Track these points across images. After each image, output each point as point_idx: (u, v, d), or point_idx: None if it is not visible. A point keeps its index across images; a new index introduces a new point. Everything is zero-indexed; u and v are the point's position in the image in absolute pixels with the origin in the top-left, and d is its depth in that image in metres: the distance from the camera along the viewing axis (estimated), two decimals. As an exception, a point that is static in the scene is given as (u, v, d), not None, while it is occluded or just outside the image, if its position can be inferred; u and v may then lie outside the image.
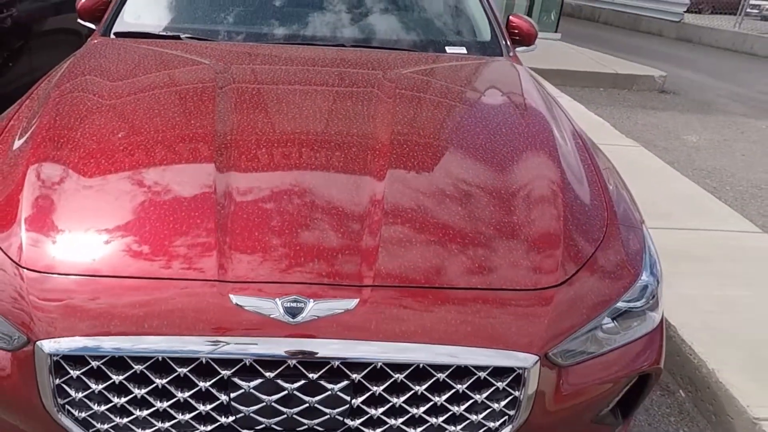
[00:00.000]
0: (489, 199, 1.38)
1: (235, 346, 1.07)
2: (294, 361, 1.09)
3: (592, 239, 1.37)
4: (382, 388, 1.12)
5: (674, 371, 2.27)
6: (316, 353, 1.08)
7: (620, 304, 1.33)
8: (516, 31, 2.57)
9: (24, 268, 1.14)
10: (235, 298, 1.10)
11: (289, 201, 1.28)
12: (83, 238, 1.18)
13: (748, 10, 13.50)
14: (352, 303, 1.12)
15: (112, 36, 2.19)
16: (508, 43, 2.41)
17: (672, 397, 2.20)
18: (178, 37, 2.13)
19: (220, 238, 1.17)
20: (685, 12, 12.33)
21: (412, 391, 1.13)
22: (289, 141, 1.46)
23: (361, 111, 1.63)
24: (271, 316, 1.09)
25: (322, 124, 1.55)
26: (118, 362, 1.09)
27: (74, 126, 1.49)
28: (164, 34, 2.16)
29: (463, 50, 2.31)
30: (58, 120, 1.52)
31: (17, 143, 1.45)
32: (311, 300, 1.11)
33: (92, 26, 2.36)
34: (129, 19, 2.24)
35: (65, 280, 1.12)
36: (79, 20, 2.42)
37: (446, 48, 2.30)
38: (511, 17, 2.61)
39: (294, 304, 1.10)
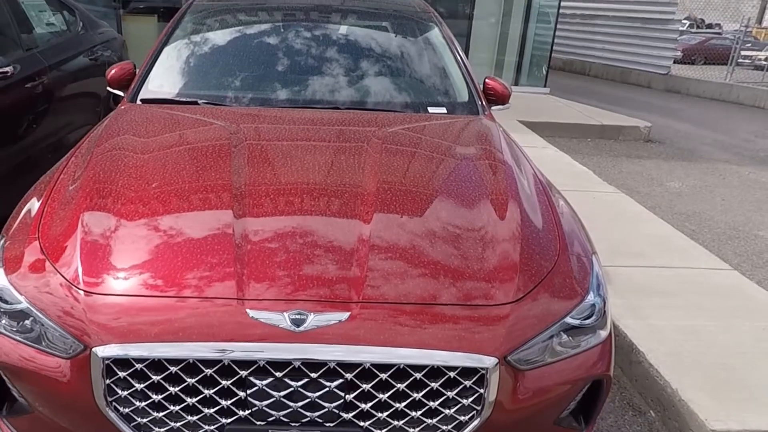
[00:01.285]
0: (458, 234, 1.70)
1: (250, 352, 1.36)
2: (298, 363, 1.38)
3: (545, 266, 1.67)
4: (369, 385, 1.40)
5: (644, 393, 2.53)
6: (316, 356, 1.37)
7: (573, 321, 1.62)
8: (491, 92, 2.94)
9: (81, 290, 1.44)
10: (251, 313, 1.40)
11: (292, 240, 1.59)
12: (128, 267, 1.49)
13: (740, 60, 14.17)
14: (344, 316, 1.42)
15: (139, 102, 2.56)
16: (483, 103, 2.78)
17: (643, 417, 2.45)
18: (195, 103, 2.51)
19: (239, 268, 1.48)
20: (677, 63, 12.97)
21: (395, 389, 1.41)
22: (293, 191, 1.79)
23: (352, 164, 1.97)
24: (280, 326, 1.38)
25: (320, 176, 1.89)
26: (156, 365, 1.38)
27: (114, 178, 1.83)
28: (183, 100, 2.54)
29: (444, 110, 2.68)
30: (101, 173, 1.86)
31: (69, 193, 1.79)
32: (311, 313, 1.41)
33: (120, 93, 2.74)
34: (153, 88, 2.62)
35: (115, 300, 1.42)
36: (108, 88, 2.80)
37: (428, 108, 2.66)
38: (486, 80, 2.99)
39: (298, 317, 1.40)
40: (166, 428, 1.41)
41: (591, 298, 1.68)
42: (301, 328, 1.39)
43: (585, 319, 1.66)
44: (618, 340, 2.73)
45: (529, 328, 1.52)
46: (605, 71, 14.18)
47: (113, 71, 2.78)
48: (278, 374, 1.38)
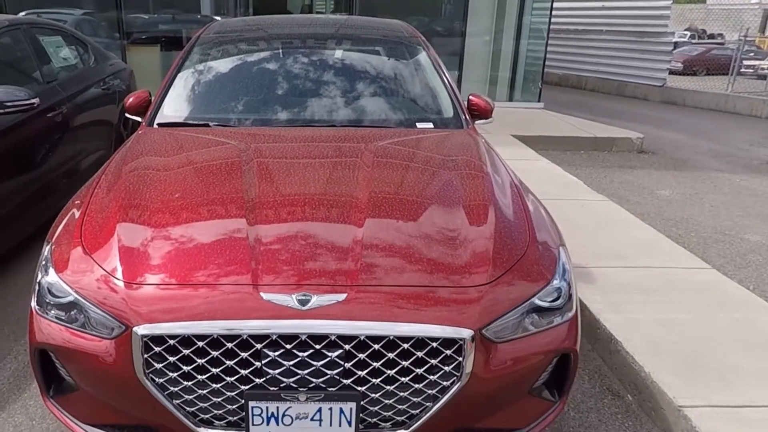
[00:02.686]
0: (438, 232, 2.02)
1: (264, 328, 1.67)
2: (304, 336, 1.68)
3: (515, 256, 1.98)
4: (364, 355, 1.71)
5: (623, 379, 2.81)
6: (319, 330, 1.68)
7: (541, 303, 1.93)
8: (475, 107, 3.29)
9: (122, 281, 1.77)
10: (264, 296, 1.71)
11: (296, 241, 1.92)
12: (159, 263, 1.82)
13: (743, 70, 14.52)
14: (342, 297, 1.73)
15: (155, 126, 2.91)
16: (467, 117, 3.12)
17: (621, 400, 2.73)
18: (207, 125, 2.85)
19: (253, 263, 1.80)
20: (679, 75, 13.32)
21: (386, 357, 1.72)
22: (295, 201, 2.12)
23: (347, 176, 2.30)
24: (288, 305, 1.70)
25: (319, 187, 2.22)
26: (185, 341, 1.69)
27: (142, 192, 2.17)
28: (196, 123, 2.89)
29: (431, 125, 3.02)
30: (130, 188, 2.21)
31: (104, 204, 2.12)
32: (315, 295, 1.72)
33: (138, 119, 3.10)
34: (168, 113, 2.98)
35: (150, 288, 1.74)
36: (126, 114, 3.16)
37: (417, 124, 3.01)
38: (470, 97, 3.34)
39: (303, 298, 1.71)
40: (194, 395, 1.71)
41: (556, 282, 1.99)
42: (306, 307, 1.70)
43: (553, 301, 1.96)
44: (599, 332, 3.03)
45: (500, 305, 1.83)
46: (601, 85, 14.60)
47: (131, 99, 3.14)
48: (288, 346, 1.68)
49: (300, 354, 1.69)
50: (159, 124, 2.92)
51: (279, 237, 1.93)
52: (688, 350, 2.79)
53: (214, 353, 1.68)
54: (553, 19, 9.35)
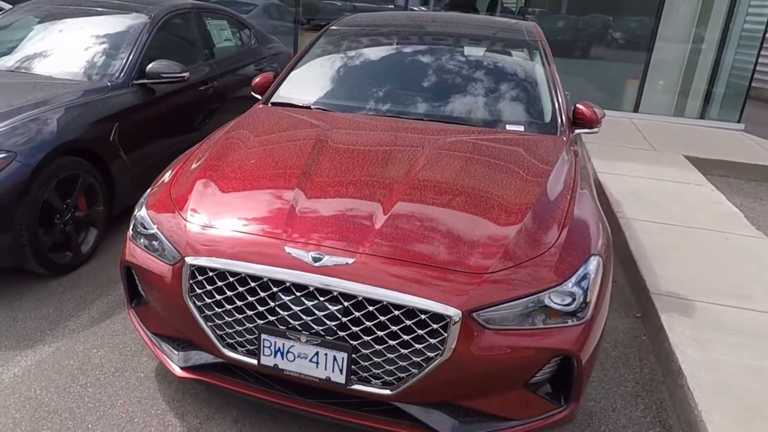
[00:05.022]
0: (462, 221, 2.34)
1: (283, 274, 2.16)
2: (312, 288, 2.14)
3: (530, 254, 2.24)
4: (360, 313, 2.12)
5: (681, 416, 2.85)
6: (325, 285, 2.13)
7: (551, 304, 2.18)
8: (580, 116, 3.47)
9: (186, 221, 2.39)
10: (287, 249, 2.21)
11: (329, 209, 2.39)
12: (215, 212, 2.41)
13: None
14: (350, 260, 2.16)
15: (270, 104, 3.58)
16: (565, 125, 3.32)
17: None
18: (309, 108, 3.45)
19: (288, 221, 2.31)
20: None
21: (378, 320, 2.11)
22: (345, 179, 2.58)
23: (402, 164, 2.71)
24: (303, 260, 2.17)
25: (372, 169, 2.65)
26: (221, 275, 2.24)
27: (226, 157, 2.80)
28: (301, 105, 3.51)
29: (521, 128, 3.29)
30: (218, 153, 2.85)
31: (193, 166, 2.79)
32: (327, 255, 2.17)
33: (259, 97, 3.82)
34: (282, 94, 3.66)
35: (204, 230, 2.34)
36: (252, 93, 3.89)
37: (507, 126, 3.30)
38: (577, 105, 3.52)
39: (317, 255, 2.17)
40: (222, 321, 2.27)
41: (569, 287, 2.20)
42: (318, 264, 2.16)
43: (567, 305, 2.19)
44: (672, 365, 3.06)
45: (497, 294, 2.11)
46: None
47: (257, 79, 3.87)
48: (298, 294, 2.16)
49: (307, 303, 2.16)
50: (272, 103, 3.59)
51: (316, 205, 2.41)
52: (760, 399, 2.74)
53: (241, 289, 2.22)
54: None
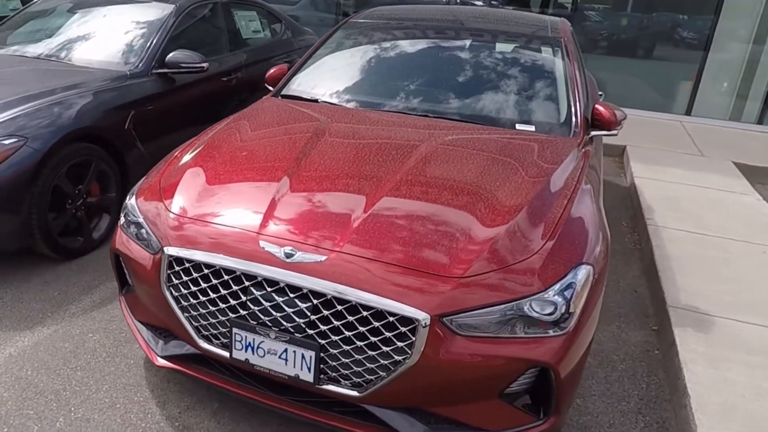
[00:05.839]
0: (445, 221, 2.30)
1: (255, 269, 2.17)
2: (283, 284, 2.15)
3: (510, 260, 2.18)
4: (329, 312, 2.11)
5: (681, 438, 2.74)
6: (295, 282, 2.13)
7: (530, 312, 2.12)
8: (598, 117, 3.36)
9: (171, 212, 2.43)
10: (262, 243, 2.22)
11: (309, 204, 2.38)
12: (198, 203, 2.44)
13: None
14: (322, 258, 2.15)
15: (279, 97, 3.60)
16: (577, 125, 3.22)
17: (669, 458, 2.68)
18: (316, 101, 3.45)
19: (267, 215, 2.32)
20: None
21: (347, 320, 2.10)
22: (334, 173, 2.57)
23: (396, 160, 2.68)
24: (276, 255, 2.17)
25: (364, 165, 2.63)
26: (197, 266, 2.27)
27: (220, 146, 2.84)
28: (308, 98, 3.52)
29: (532, 128, 3.21)
30: (215, 142, 2.89)
31: (186, 156, 2.84)
32: (299, 251, 2.17)
33: (270, 89, 3.85)
34: (293, 87, 3.68)
35: (184, 221, 2.37)
36: (265, 85, 3.93)
37: (516, 125, 3.22)
38: (596, 106, 3.41)
39: (290, 252, 2.17)
40: (197, 312, 2.29)
41: (550, 296, 2.14)
42: (290, 260, 2.16)
43: (548, 315, 2.13)
44: (678, 383, 2.94)
45: (470, 300, 2.07)
46: None
47: (271, 71, 3.91)
48: (269, 289, 2.17)
49: (277, 299, 2.16)
50: (282, 96, 3.61)
51: (298, 200, 2.41)
52: (766, 426, 2.60)
53: (215, 281, 2.24)
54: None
